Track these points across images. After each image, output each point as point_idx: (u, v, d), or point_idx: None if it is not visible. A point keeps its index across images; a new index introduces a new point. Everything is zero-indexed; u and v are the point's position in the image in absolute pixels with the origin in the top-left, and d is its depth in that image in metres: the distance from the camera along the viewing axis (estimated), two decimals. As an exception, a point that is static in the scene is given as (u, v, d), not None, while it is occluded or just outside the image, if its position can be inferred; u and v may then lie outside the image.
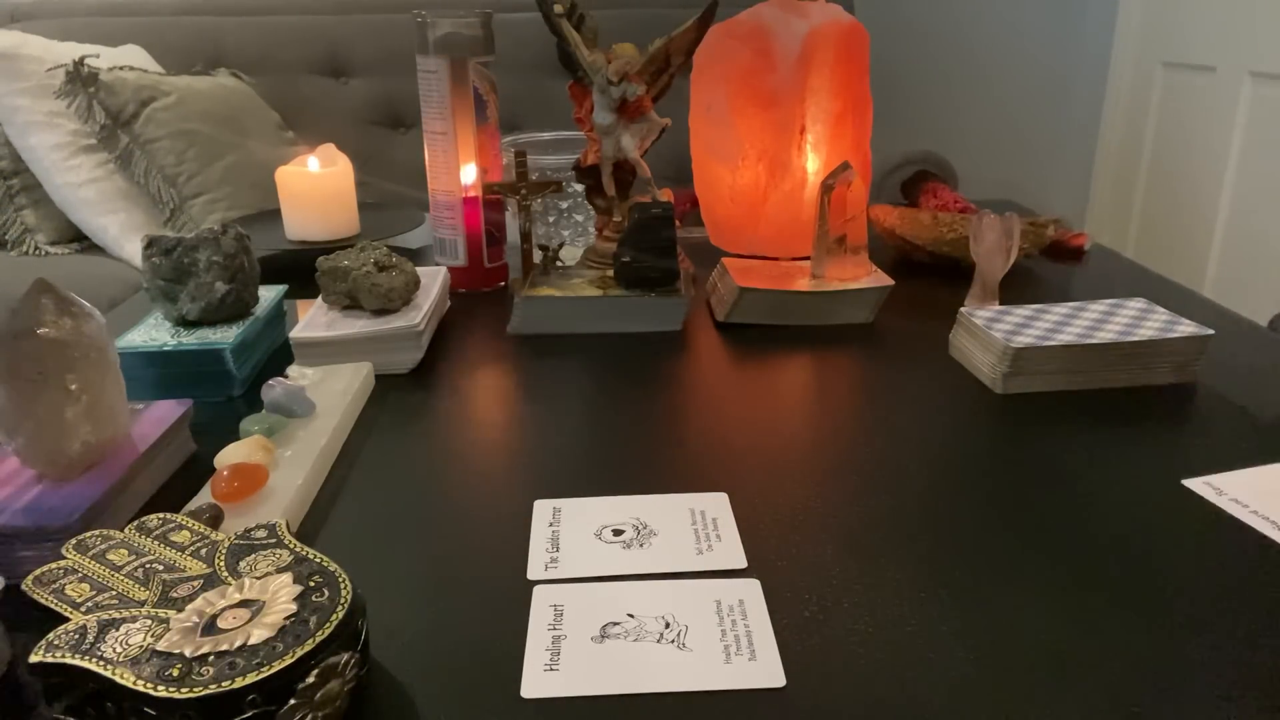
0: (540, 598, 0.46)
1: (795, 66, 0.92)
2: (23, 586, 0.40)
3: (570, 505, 0.54)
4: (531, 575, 0.48)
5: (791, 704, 0.39)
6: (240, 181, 1.62)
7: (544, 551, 0.50)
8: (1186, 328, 0.70)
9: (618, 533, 0.51)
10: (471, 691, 0.40)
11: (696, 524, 0.52)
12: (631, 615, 0.44)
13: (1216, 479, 0.56)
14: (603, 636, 0.43)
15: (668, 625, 0.43)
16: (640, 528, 0.52)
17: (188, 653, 0.35)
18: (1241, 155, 1.89)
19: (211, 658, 0.34)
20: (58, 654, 0.35)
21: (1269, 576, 0.47)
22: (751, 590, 0.46)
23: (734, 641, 0.42)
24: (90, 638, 0.36)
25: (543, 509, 0.54)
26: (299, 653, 0.35)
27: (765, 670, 0.40)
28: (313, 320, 0.74)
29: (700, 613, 0.44)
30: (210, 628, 0.36)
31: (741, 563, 0.48)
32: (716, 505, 0.54)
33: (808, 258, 0.86)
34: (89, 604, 0.39)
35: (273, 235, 1.05)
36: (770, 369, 0.74)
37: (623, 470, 0.58)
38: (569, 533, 0.51)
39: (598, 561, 0.49)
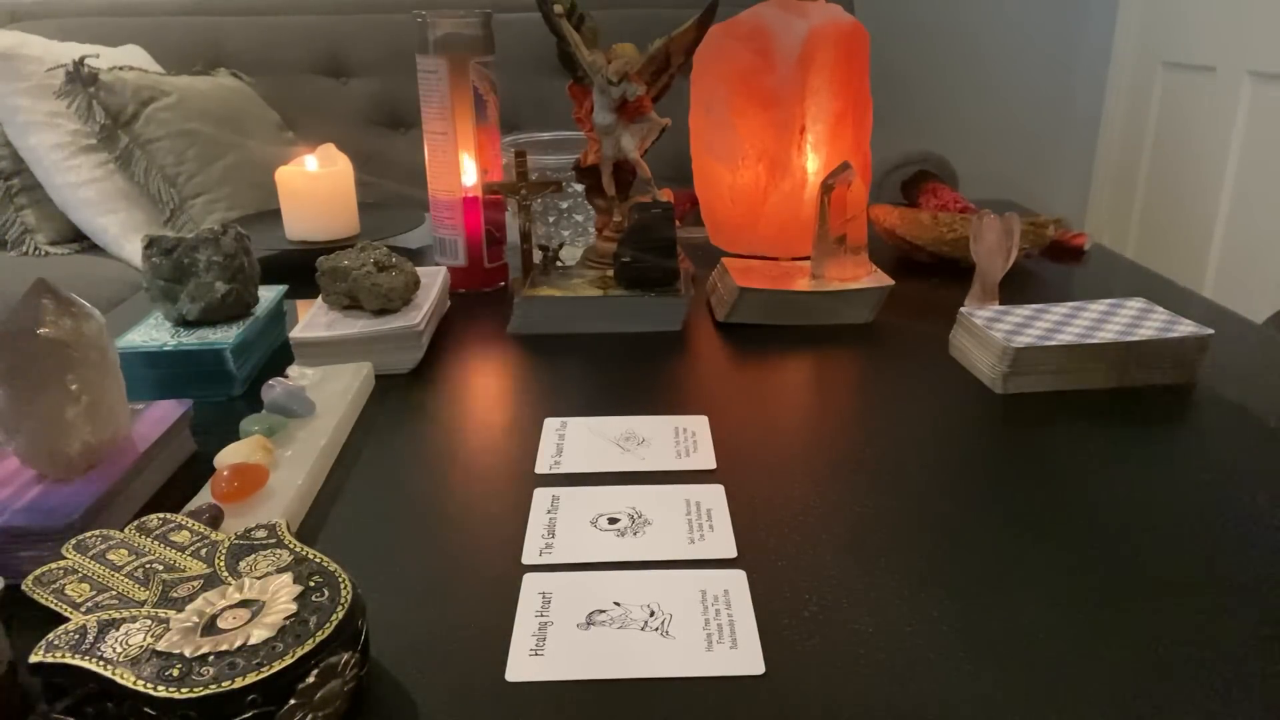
0: (530, 585, 0.46)
1: (795, 66, 0.91)
2: (23, 586, 0.40)
3: (568, 493, 0.55)
4: (525, 560, 0.48)
5: (770, 691, 0.39)
6: (240, 181, 1.62)
7: (539, 538, 0.50)
8: (1186, 328, 0.70)
9: (613, 521, 0.52)
10: (459, 675, 0.40)
11: (691, 514, 0.53)
12: (618, 603, 0.45)
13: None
14: (588, 623, 0.43)
15: (652, 613, 0.44)
16: (635, 516, 0.52)
17: (188, 653, 0.35)
18: (1241, 155, 1.89)
19: (211, 658, 0.34)
20: (58, 654, 0.35)
21: (1272, 577, 0.47)
22: (737, 580, 0.46)
23: (716, 630, 0.43)
24: (90, 638, 0.36)
25: (542, 497, 0.55)
26: (299, 653, 0.35)
27: (745, 658, 0.41)
28: (313, 320, 0.74)
29: (686, 601, 0.45)
30: (210, 628, 0.36)
31: (732, 553, 0.49)
32: (712, 497, 0.54)
33: (808, 258, 0.86)
34: (89, 604, 0.39)
35: (273, 235, 1.05)
36: (770, 369, 0.74)
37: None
38: (566, 520, 0.52)
39: (591, 549, 0.49)
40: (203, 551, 0.42)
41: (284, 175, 1.03)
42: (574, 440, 0.62)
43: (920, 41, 2.39)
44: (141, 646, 0.35)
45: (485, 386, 0.71)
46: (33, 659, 0.35)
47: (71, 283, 0.54)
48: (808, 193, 0.95)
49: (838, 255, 0.83)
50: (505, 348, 0.79)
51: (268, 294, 0.78)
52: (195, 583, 0.40)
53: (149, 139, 1.57)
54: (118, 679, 0.34)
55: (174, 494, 0.55)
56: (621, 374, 0.73)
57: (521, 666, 0.41)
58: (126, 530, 0.44)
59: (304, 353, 0.72)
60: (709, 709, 0.38)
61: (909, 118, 2.42)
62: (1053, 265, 1.01)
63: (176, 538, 0.44)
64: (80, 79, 1.55)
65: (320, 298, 0.77)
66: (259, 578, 0.39)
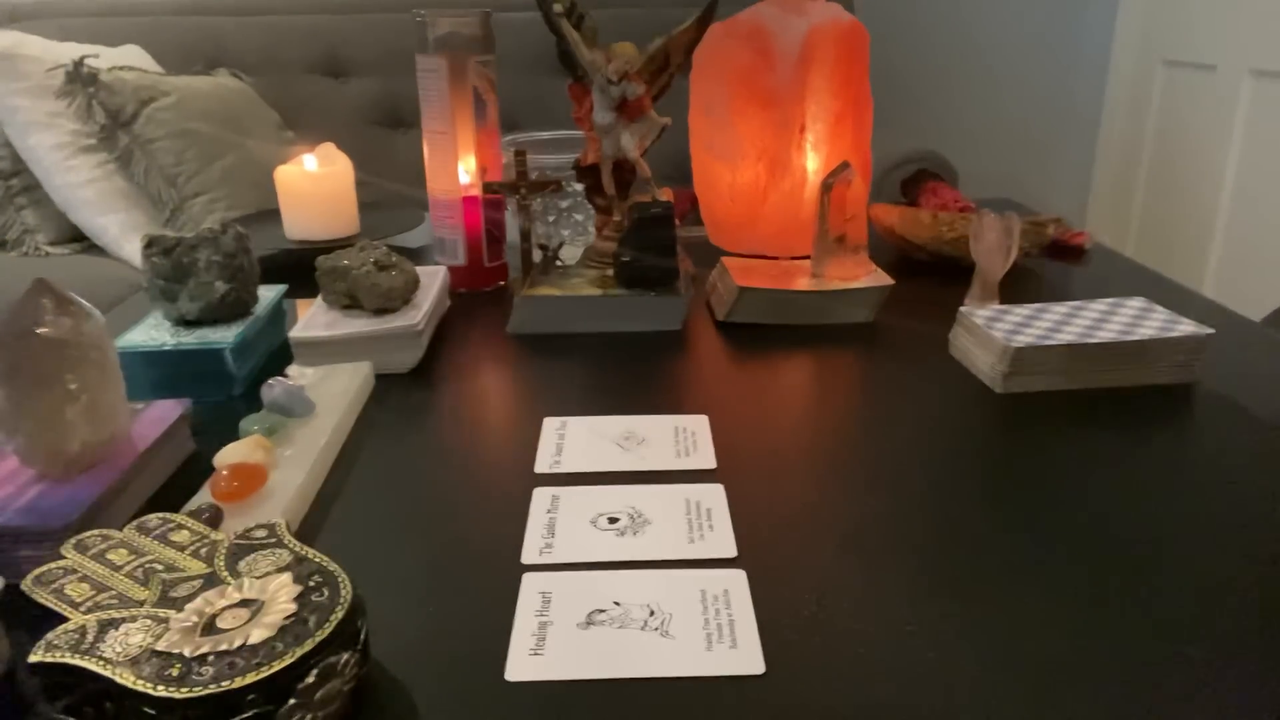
0: (529, 584, 0.46)
1: (795, 66, 0.91)
2: (22, 586, 0.40)
3: (568, 493, 0.55)
4: (525, 559, 0.48)
5: (770, 691, 0.39)
6: (240, 181, 1.62)
7: (539, 537, 0.50)
8: (1186, 327, 0.70)
9: (613, 520, 0.52)
10: (459, 675, 0.40)
11: (691, 514, 0.53)
12: (618, 603, 0.45)
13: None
14: (588, 623, 0.43)
15: (652, 613, 0.44)
16: (635, 516, 0.52)
17: (187, 652, 0.35)
18: (1242, 154, 1.89)
19: (211, 658, 0.34)
20: (57, 654, 0.35)
21: (1273, 577, 0.47)
22: (737, 580, 0.46)
23: (716, 630, 0.43)
24: (90, 637, 0.36)
25: (541, 496, 0.55)
26: (299, 653, 0.35)
27: (745, 658, 0.41)
28: (312, 320, 0.74)
29: (685, 601, 0.45)
30: (210, 628, 0.36)
31: (732, 552, 0.49)
32: (712, 496, 0.54)
33: (808, 257, 0.86)
34: (89, 604, 0.39)
35: (273, 235, 1.05)
36: (770, 369, 0.74)
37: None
38: (565, 519, 0.52)
39: (591, 548, 0.49)
40: (202, 551, 0.42)
41: (284, 175, 1.03)
42: (574, 440, 0.62)
43: (920, 41, 2.39)
44: (141, 646, 0.35)
45: (485, 386, 0.71)
46: (32, 659, 0.35)
47: (71, 283, 0.54)
48: (808, 192, 0.95)
49: (838, 255, 0.83)
50: (505, 347, 0.79)
51: (267, 294, 0.78)
52: (195, 582, 0.40)
53: (149, 139, 1.57)
54: (117, 679, 0.34)
55: (174, 494, 0.55)
56: (621, 374, 0.73)
57: (521, 666, 0.41)
58: (126, 530, 0.44)
59: (304, 352, 0.72)
60: (709, 709, 0.38)
61: (909, 118, 2.42)
62: (1053, 265, 1.01)
63: (176, 537, 0.44)
64: (80, 79, 1.55)
65: (320, 297, 0.77)
66: (259, 577, 0.39)
